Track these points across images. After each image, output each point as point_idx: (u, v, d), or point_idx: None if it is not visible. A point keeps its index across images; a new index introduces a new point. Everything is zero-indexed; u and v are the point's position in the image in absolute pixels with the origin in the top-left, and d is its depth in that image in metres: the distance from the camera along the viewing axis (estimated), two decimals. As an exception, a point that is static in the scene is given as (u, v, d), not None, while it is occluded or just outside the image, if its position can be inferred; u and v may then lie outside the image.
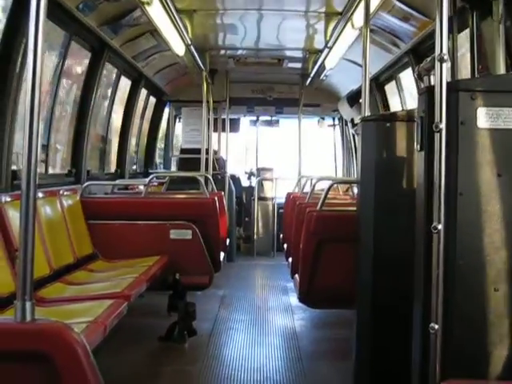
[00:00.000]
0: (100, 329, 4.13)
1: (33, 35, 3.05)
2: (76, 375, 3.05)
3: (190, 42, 8.33)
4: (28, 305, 3.04)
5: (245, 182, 14.73)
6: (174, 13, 7.08)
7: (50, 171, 7.68)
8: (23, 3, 5.32)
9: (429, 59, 3.36)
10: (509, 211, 3.17)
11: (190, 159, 11.88)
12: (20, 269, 3.05)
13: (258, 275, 11.47)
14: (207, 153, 10.59)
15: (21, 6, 5.40)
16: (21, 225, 3.07)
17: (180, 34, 7.86)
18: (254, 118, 14.75)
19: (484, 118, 3.16)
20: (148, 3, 6.59)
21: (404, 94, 9.54)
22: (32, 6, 3.05)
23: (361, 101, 5.22)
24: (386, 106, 10.32)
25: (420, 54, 7.49)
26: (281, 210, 12.53)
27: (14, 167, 5.97)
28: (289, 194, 10.43)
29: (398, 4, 6.64)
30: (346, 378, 5.12)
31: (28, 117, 3.06)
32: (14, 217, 5.09)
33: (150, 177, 8.65)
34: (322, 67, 10.33)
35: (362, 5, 5.68)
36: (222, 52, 10.99)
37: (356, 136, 11.42)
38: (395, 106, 10.04)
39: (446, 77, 3.12)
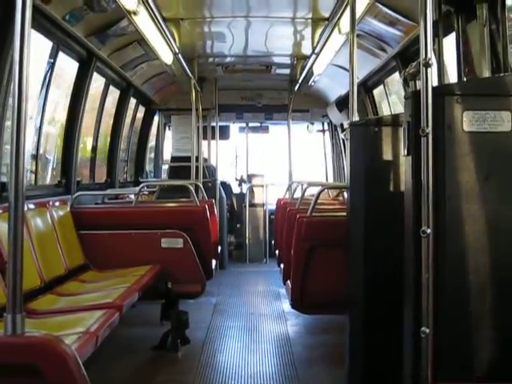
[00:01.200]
0: (92, 340, 4.11)
1: (18, 46, 3.05)
2: (67, 388, 3.04)
3: (177, 51, 8.33)
4: (18, 318, 3.03)
5: (236, 189, 14.74)
6: (161, 22, 7.08)
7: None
8: (8, 13, 5.32)
9: (414, 64, 3.37)
10: (497, 214, 3.18)
11: (181, 167, 11.87)
12: (9, 281, 3.04)
13: (250, 282, 11.45)
14: (197, 160, 10.59)
15: (6, 17, 5.39)
16: (9, 237, 3.06)
17: (167, 43, 7.86)
18: (244, 125, 14.76)
19: (470, 121, 3.17)
20: (135, 13, 6.58)
21: (392, 99, 9.57)
22: (17, 16, 3.04)
23: (349, 106, 5.22)
24: (375, 110, 10.34)
25: (407, 57, 7.51)
26: (272, 216, 12.52)
27: (3, 179, 5.96)
28: (279, 200, 10.43)
29: (384, 9, 6.66)
30: (339, 383, 5.11)
31: (15, 128, 3.05)
32: (3, 229, 5.07)
33: (141, 186, 8.65)
34: (310, 73, 10.35)
35: (348, 10, 5.69)
36: (210, 60, 11.00)
37: (345, 141, 11.43)
38: (386, 109, 10.07)
39: (432, 81, 3.13)
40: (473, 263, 3.17)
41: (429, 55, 3.11)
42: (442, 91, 3.21)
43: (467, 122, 3.17)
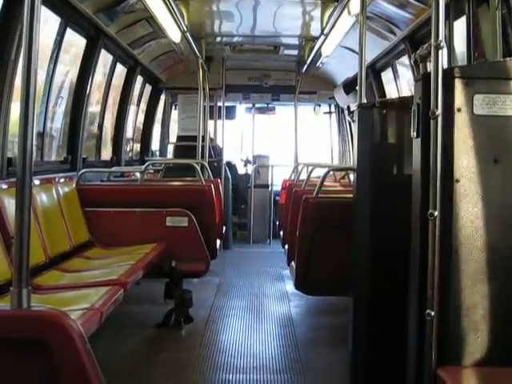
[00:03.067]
0: (96, 316, 4.13)
1: (28, 21, 3.03)
2: (73, 362, 3.05)
3: (185, 29, 8.30)
4: (24, 292, 3.04)
5: (241, 170, 14.73)
6: (170, -1, 7.05)
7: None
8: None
9: (425, 46, 3.35)
10: (505, 197, 3.18)
11: (187, 147, 11.85)
12: (16, 256, 3.05)
13: (254, 262, 11.47)
14: (203, 140, 10.57)
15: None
16: (16, 212, 3.06)
17: (176, 21, 7.82)
18: (250, 105, 14.73)
19: (480, 104, 3.16)
20: (144, -10, 6.57)
21: (400, 81, 9.54)
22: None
23: (357, 88, 5.20)
24: (382, 93, 10.31)
25: (416, 40, 7.48)
26: (277, 198, 12.53)
27: (9, 154, 5.96)
28: (285, 181, 10.43)
29: (395, -10, 6.64)
30: (341, 365, 5.12)
31: (23, 104, 3.05)
32: (9, 204, 5.09)
33: (146, 164, 8.65)
34: (319, 54, 10.31)
35: (358, -9, 5.66)
36: (218, 39, 10.98)
37: (352, 123, 11.41)
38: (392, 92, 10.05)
39: (443, 63, 3.11)
40: (480, 247, 3.16)
41: (440, 37, 3.09)
42: (453, 74, 3.19)
43: (477, 105, 3.15)
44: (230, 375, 5.61)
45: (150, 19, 8.15)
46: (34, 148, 6.89)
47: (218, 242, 8.31)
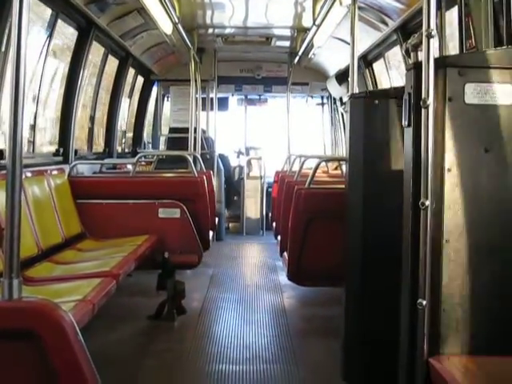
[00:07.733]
0: (89, 307, 4.12)
1: (17, 12, 3.01)
2: (64, 353, 3.04)
3: (177, 21, 8.26)
4: (15, 283, 3.03)
5: (234, 161, 14.72)
6: (161, -10, 7.02)
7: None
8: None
9: (416, 35, 3.34)
10: (496, 187, 3.18)
11: (179, 138, 11.82)
12: (6, 247, 3.04)
13: (246, 254, 11.48)
14: (195, 132, 10.55)
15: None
16: (7, 204, 3.05)
17: (167, 13, 7.79)
18: (243, 97, 14.71)
19: (472, 93, 3.16)
20: (135, -19, 6.54)
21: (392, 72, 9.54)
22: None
23: (349, 79, 5.19)
24: (375, 83, 10.30)
25: (408, 31, 7.47)
26: (270, 189, 12.54)
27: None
28: (277, 173, 10.43)
29: (387, -19, 6.62)
30: (334, 356, 5.13)
31: (13, 95, 3.03)
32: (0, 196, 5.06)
33: (138, 156, 8.61)
34: (311, 45, 10.30)
35: (350, -19, 5.64)
36: (210, 30, 10.96)
37: (345, 114, 11.41)
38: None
39: (434, 53, 3.11)
40: (471, 235, 3.16)
41: (432, 26, 3.08)
42: (444, 63, 3.19)
43: (468, 94, 3.15)
44: (223, 366, 5.61)
45: (142, 10, 8.12)
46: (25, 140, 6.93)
47: (211, 233, 8.30)
